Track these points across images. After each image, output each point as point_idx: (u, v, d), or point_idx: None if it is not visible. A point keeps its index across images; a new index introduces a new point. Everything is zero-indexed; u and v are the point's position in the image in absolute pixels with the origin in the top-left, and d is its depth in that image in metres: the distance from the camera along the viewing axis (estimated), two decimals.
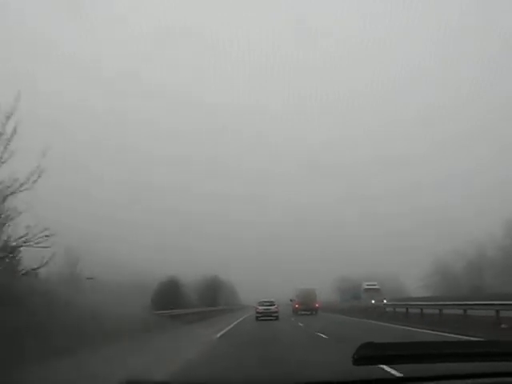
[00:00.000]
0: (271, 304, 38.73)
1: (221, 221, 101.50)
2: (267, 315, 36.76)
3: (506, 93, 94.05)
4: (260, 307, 38.53)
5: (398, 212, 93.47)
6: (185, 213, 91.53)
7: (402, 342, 2.72)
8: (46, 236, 16.91)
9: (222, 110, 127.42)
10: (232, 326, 27.76)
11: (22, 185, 16.86)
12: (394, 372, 2.90)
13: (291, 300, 51.99)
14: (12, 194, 16.83)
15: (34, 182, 17.11)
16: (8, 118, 16.65)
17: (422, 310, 30.15)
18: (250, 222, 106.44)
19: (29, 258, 17.59)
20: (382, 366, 2.79)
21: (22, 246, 17.01)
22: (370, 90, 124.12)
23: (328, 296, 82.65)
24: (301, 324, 28.82)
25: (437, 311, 27.62)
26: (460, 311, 24.47)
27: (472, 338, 13.66)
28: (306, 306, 47.17)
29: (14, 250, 17.04)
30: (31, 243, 16.86)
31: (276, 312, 37.60)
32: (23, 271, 17.42)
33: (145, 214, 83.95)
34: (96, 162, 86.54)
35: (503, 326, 19.16)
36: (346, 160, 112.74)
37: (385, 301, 45.75)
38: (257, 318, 36.84)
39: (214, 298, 65.06)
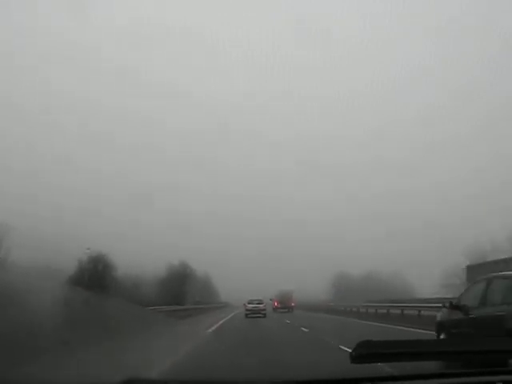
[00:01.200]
0: (260, 302, 41.31)
1: (215, 220, 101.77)
2: (256, 312, 39.28)
3: (506, 93, 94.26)
4: (249, 305, 41.13)
5: (398, 212, 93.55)
6: (175, 211, 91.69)
7: (400, 340, 2.72)
8: None
9: (222, 109, 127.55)
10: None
11: None
12: (392, 370, 2.86)
13: (271, 299, 56.55)
14: None
15: None
16: None
17: None
18: (247, 221, 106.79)
19: None
20: (379, 363, 2.76)
21: None
22: (369, 90, 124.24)
23: (320, 295, 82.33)
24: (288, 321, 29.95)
25: None
26: None
27: None
28: (284, 305, 53.52)
29: None
30: None
31: (264, 310, 40.28)
32: None
33: (147, 215, 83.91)
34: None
35: None
36: (345, 160, 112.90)
37: None
38: (246, 315, 39.08)
39: (181, 292, 53.65)
